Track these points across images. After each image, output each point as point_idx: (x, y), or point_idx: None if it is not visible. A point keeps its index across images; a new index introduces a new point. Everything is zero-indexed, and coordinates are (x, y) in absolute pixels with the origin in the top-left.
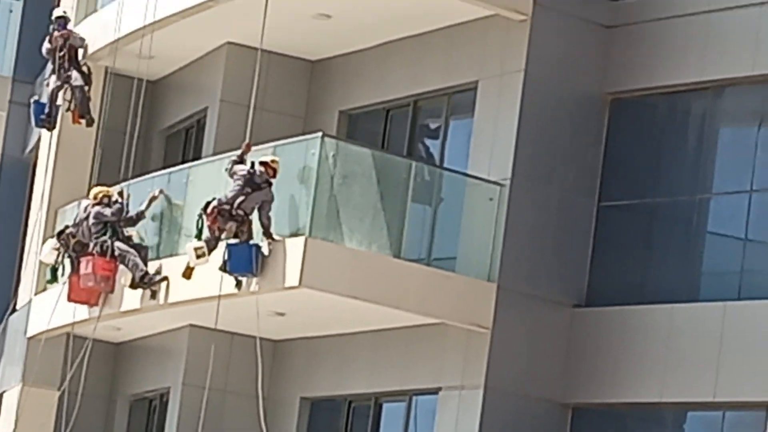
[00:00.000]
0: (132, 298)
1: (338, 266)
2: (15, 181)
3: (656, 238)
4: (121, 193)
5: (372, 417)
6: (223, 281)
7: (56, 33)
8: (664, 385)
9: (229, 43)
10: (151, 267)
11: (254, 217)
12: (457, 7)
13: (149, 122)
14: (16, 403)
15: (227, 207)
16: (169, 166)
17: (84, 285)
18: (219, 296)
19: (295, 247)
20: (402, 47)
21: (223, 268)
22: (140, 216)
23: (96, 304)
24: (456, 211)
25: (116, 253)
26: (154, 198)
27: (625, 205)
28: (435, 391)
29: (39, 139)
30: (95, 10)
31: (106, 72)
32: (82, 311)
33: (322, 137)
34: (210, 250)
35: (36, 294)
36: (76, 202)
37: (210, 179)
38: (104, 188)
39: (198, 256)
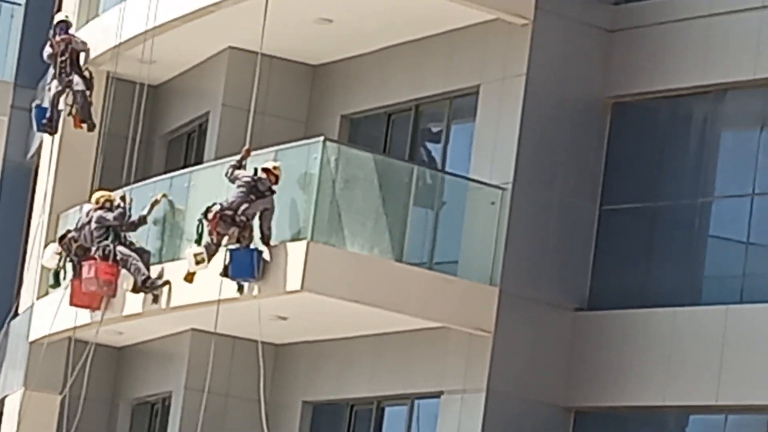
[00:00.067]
0: (134, 302)
1: (340, 270)
2: (17, 185)
3: (658, 241)
4: (123, 198)
5: (374, 421)
6: (225, 285)
7: (58, 38)
8: (666, 389)
9: (231, 47)
10: (153, 271)
11: (255, 222)
12: (459, 12)
13: (151, 127)
14: (18, 408)
15: (230, 212)
16: (170, 171)
17: (86, 289)
18: (219, 300)
19: (297, 252)
20: (403, 51)
21: (224, 273)
22: (142, 220)
23: (98, 309)
24: (458, 215)
25: (118, 257)
26: (156, 202)
27: (626, 208)
28: (437, 395)
29: (41, 144)
30: (97, 15)
31: (107, 77)
32: (84, 315)
33: (324, 142)
34: (210, 256)
35: (38, 298)
36: (78, 207)
37: (212, 184)
38: (106, 193)
39: (197, 262)
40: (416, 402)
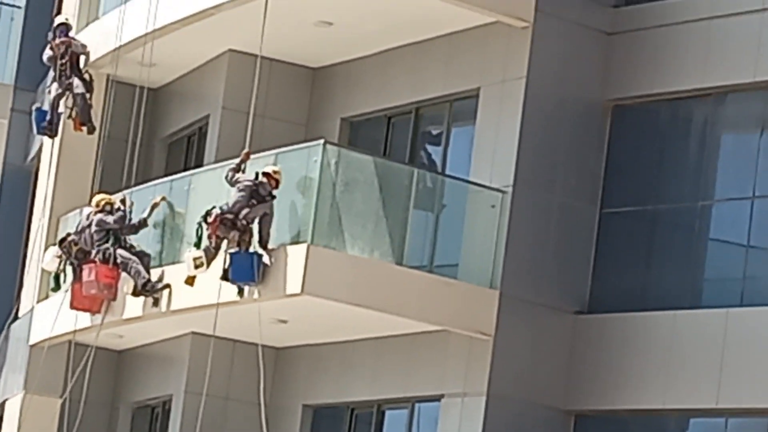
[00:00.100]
0: (134, 305)
1: (340, 273)
2: (17, 188)
3: (658, 244)
4: (123, 201)
5: (374, 424)
6: (225, 289)
7: (57, 40)
8: (666, 392)
9: (231, 50)
10: (154, 274)
11: (254, 226)
12: (459, 15)
13: (151, 130)
14: (18, 411)
15: (230, 216)
16: (170, 174)
17: (87, 292)
18: (217, 304)
19: (297, 255)
20: (403, 54)
21: (224, 277)
22: (143, 223)
23: (98, 312)
24: (458, 218)
25: (118, 260)
26: (156, 205)
27: (627, 211)
28: (437, 398)
29: (41, 147)
30: (97, 18)
31: (107, 79)
32: (84, 319)
33: (324, 144)
34: (209, 260)
35: (38, 302)
36: (78, 210)
37: (212, 187)
38: (106, 196)
39: (196, 266)
40: (417, 405)
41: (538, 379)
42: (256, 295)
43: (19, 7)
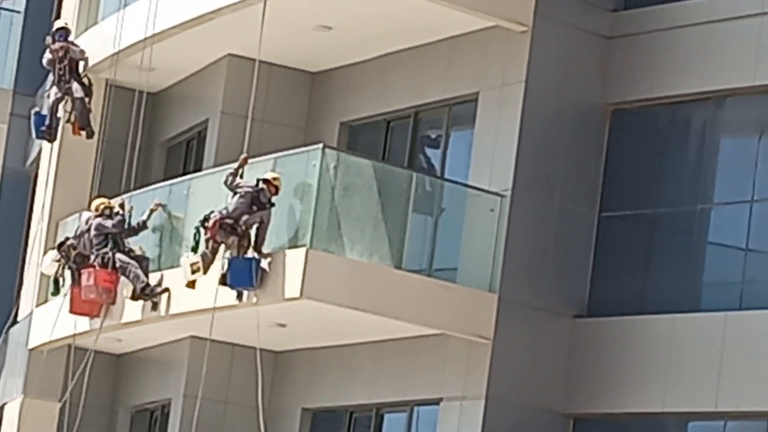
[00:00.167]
0: (133, 309)
1: (339, 277)
2: (16, 193)
3: (657, 248)
4: (122, 205)
5: (373, 428)
6: (224, 293)
7: (56, 45)
8: (665, 396)
9: (230, 55)
10: (152, 278)
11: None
12: (458, 19)
13: (150, 134)
14: (17, 415)
15: (230, 221)
16: (170, 178)
17: (86, 297)
18: (214, 308)
19: (296, 259)
20: (403, 59)
21: (222, 282)
22: (142, 226)
23: (97, 316)
24: (457, 222)
25: (117, 264)
26: (154, 209)
27: (625, 215)
28: (436, 402)
29: (40, 151)
30: (96, 23)
31: (106, 84)
32: (83, 323)
33: (323, 149)
34: (207, 265)
35: (37, 306)
36: (77, 214)
37: (211, 191)
38: (105, 200)
39: (193, 272)
40: (415, 409)
41: (537, 382)
42: (255, 299)
43: (18, 12)
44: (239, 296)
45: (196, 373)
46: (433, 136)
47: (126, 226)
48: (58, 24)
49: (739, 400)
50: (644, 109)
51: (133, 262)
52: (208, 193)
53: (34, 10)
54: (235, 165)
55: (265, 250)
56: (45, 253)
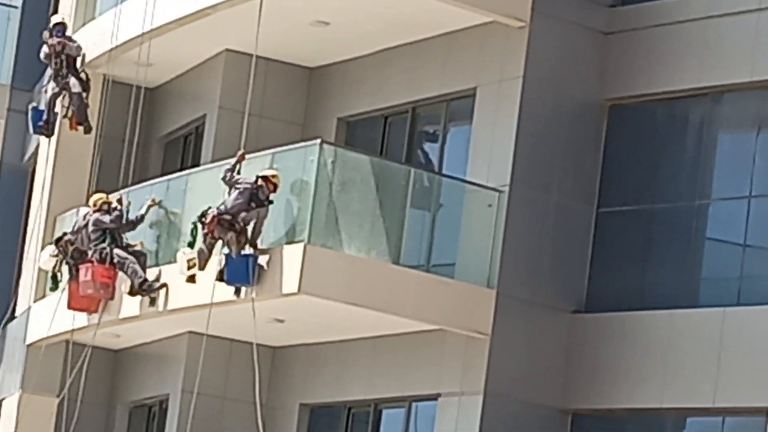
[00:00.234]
0: (131, 305)
1: (337, 273)
2: (14, 188)
3: (655, 243)
4: (120, 200)
5: (371, 423)
6: (222, 288)
7: (53, 40)
8: (663, 391)
9: (228, 50)
10: (151, 274)
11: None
12: (456, 14)
13: (148, 129)
14: (15, 410)
15: (228, 217)
16: (167, 174)
17: (83, 292)
18: (211, 304)
19: (293, 254)
20: (400, 54)
21: (220, 278)
22: (139, 220)
23: (95, 311)
24: (455, 218)
25: (115, 260)
26: (152, 204)
27: (623, 211)
28: (434, 398)
29: (37, 147)
30: (93, 18)
31: (104, 79)
32: (81, 318)
33: (321, 144)
34: (203, 261)
35: (35, 301)
36: (74, 210)
37: (209, 187)
38: (103, 195)
39: (189, 267)
40: (413, 404)
41: (535, 378)
42: (252, 295)
43: (15, 7)
44: (237, 292)
45: (193, 369)
46: (431, 131)
47: (124, 221)
48: (55, 19)
49: (738, 396)
50: (642, 105)
51: (131, 257)
52: (205, 189)
53: (32, 5)
54: (233, 161)
55: (262, 245)
56: (43, 248)
